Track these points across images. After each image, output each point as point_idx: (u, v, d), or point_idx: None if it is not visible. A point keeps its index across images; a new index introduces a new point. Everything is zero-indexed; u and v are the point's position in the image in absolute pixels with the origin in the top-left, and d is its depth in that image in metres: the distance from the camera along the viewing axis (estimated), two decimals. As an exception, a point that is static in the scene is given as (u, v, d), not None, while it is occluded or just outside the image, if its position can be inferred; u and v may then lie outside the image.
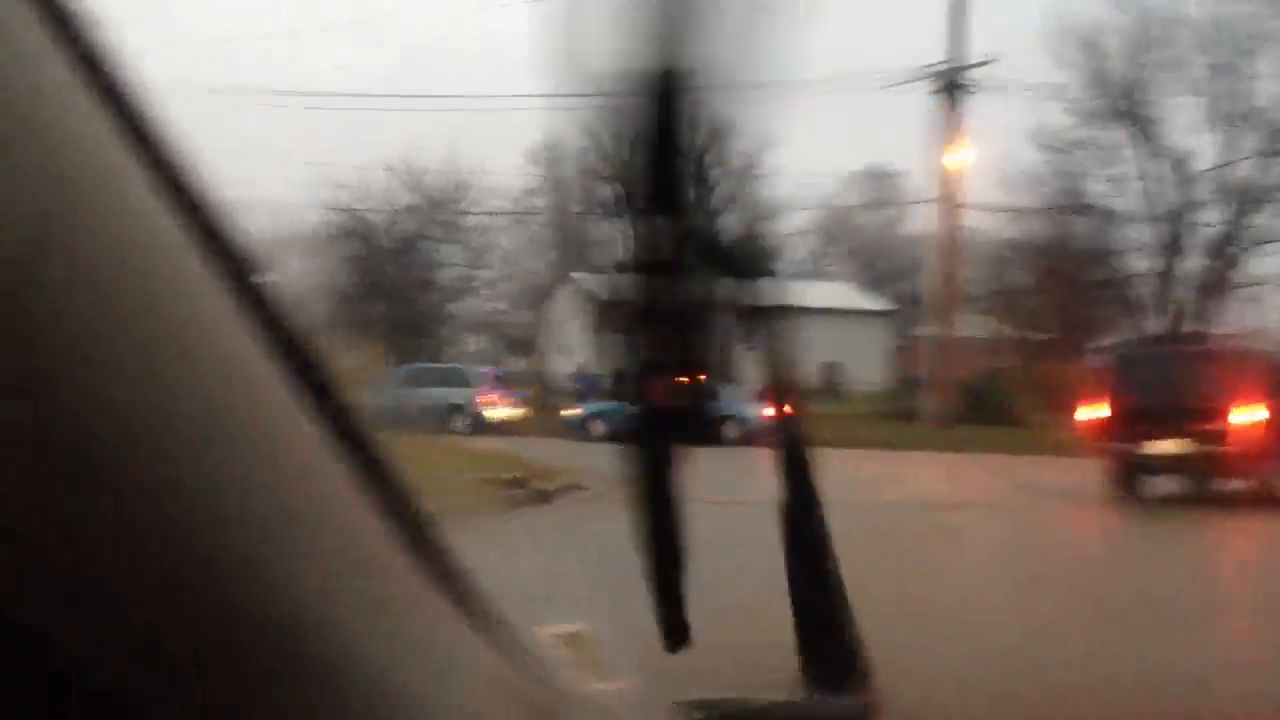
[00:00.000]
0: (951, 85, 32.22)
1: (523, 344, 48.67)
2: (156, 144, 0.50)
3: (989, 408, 33.11)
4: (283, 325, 0.56)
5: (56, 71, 0.46)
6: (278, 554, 0.54)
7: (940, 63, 32.46)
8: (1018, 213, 42.07)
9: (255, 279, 0.54)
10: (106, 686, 0.51)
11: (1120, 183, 41.27)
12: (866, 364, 46.05)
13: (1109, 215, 41.61)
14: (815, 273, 59.14)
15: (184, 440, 0.48)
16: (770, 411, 1.22)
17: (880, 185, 58.36)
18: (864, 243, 62.89)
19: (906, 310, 49.21)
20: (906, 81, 32.93)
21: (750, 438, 27.15)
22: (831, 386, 44.27)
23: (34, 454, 0.44)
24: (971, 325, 44.29)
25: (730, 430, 27.47)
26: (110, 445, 0.45)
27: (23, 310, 0.42)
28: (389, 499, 0.65)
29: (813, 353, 45.14)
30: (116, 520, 0.46)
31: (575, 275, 46.20)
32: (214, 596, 0.51)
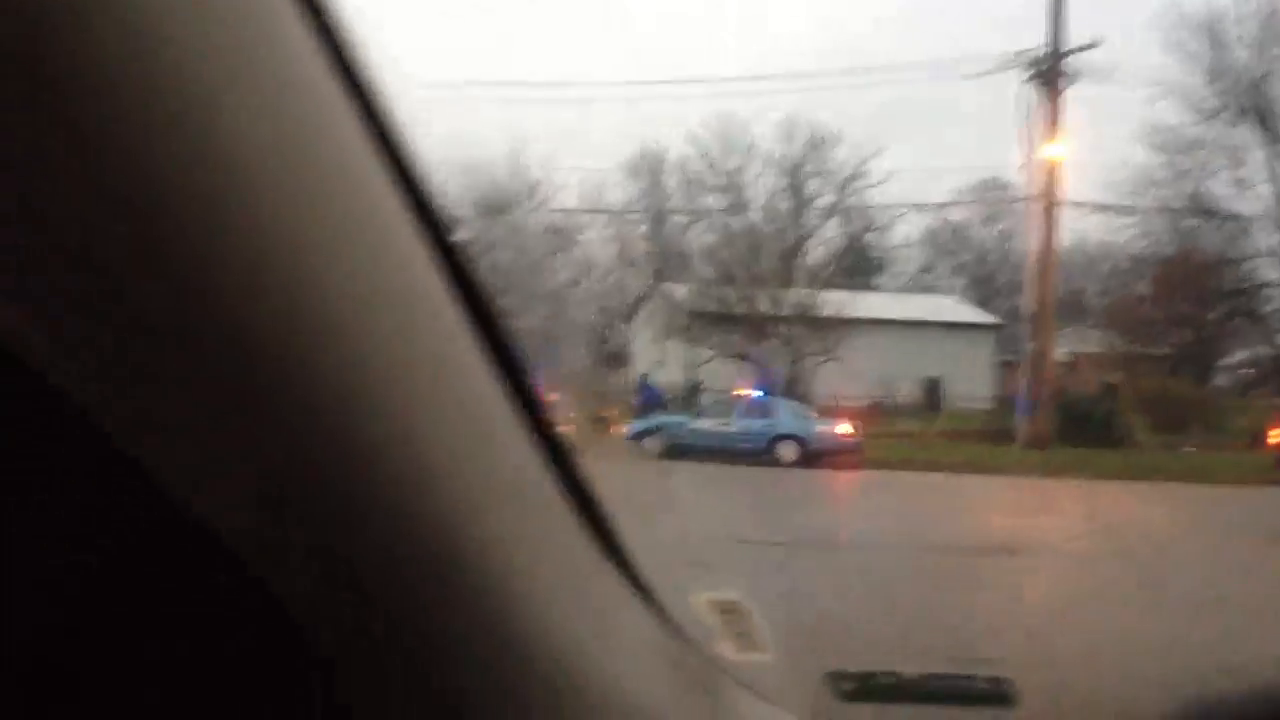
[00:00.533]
0: (1049, 73, 28.44)
1: (614, 356, 45.81)
2: (393, 138, 0.52)
3: (1094, 428, 29.25)
4: (486, 312, 0.60)
5: (312, 64, 0.46)
6: (474, 518, 0.57)
7: (1036, 48, 28.71)
8: (1130, 216, 37.96)
9: (466, 267, 0.58)
10: (330, 640, 0.57)
11: (1246, 185, 36.81)
12: (970, 380, 42.14)
13: (1234, 220, 37.17)
14: (920, 285, 55.37)
15: (401, 412, 0.51)
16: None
17: (994, 196, 54.21)
18: (977, 256, 58.81)
19: (1015, 325, 45.25)
20: (997, 69, 29.22)
21: (809, 459, 24.26)
22: (931, 402, 40.52)
23: (279, 413, 0.47)
24: (1082, 339, 40.25)
25: (786, 450, 24.22)
26: (345, 415, 0.49)
27: (282, 297, 0.45)
28: (564, 470, 0.68)
29: (913, 367, 41.64)
30: (350, 485, 0.51)
31: (666, 285, 43.40)
32: (419, 558, 0.55)
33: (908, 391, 40.50)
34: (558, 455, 0.67)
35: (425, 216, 0.54)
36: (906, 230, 57.97)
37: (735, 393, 27.60)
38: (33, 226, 0.39)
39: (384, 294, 0.50)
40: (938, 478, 22.09)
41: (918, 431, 30.89)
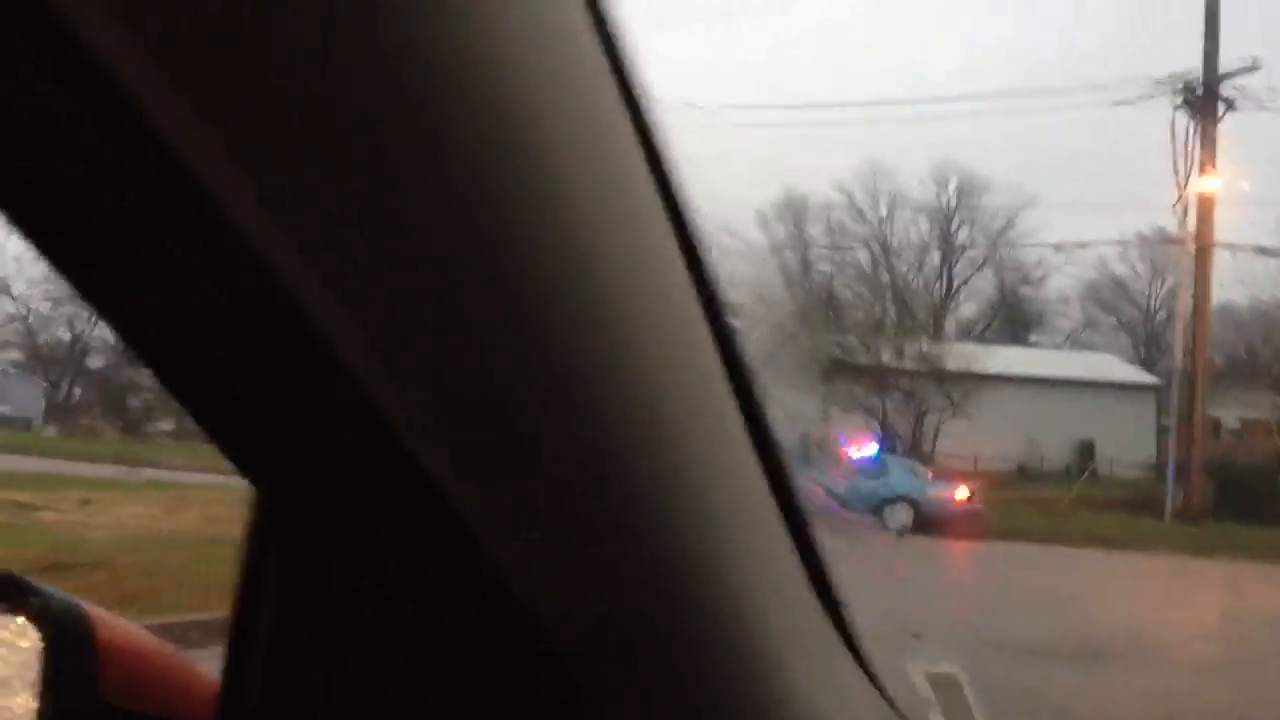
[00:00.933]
0: (1203, 99, 25.15)
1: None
2: (660, 154, 0.51)
3: (1256, 501, 25.59)
4: (730, 338, 0.58)
5: (595, 73, 0.46)
6: (714, 554, 0.57)
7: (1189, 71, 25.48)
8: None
9: (717, 293, 0.57)
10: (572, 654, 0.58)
11: None
12: (1128, 445, 38.32)
13: None
14: (1080, 343, 51.41)
15: (641, 432, 0.50)
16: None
17: (1160, 249, 50.04)
18: (1143, 312, 54.50)
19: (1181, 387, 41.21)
20: (1146, 96, 26.03)
21: (923, 525, 21.50)
22: (1083, 467, 36.93)
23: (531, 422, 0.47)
24: (1254, 403, 36.13)
25: (895, 515, 21.43)
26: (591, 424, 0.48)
27: (548, 300, 0.44)
28: (797, 525, 0.66)
29: (1066, 429, 38.20)
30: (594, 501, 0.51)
31: (796, 332, 40.90)
32: (663, 583, 0.55)
33: (1059, 454, 37.11)
34: (792, 508, 0.65)
35: (689, 245, 0.53)
36: (1065, 284, 53.85)
37: (843, 449, 24.97)
38: (382, 241, 0.40)
39: (660, 319, 0.51)
40: (1061, 552, 19.10)
41: (1055, 499, 27.66)
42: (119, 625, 0.79)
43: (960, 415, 31.93)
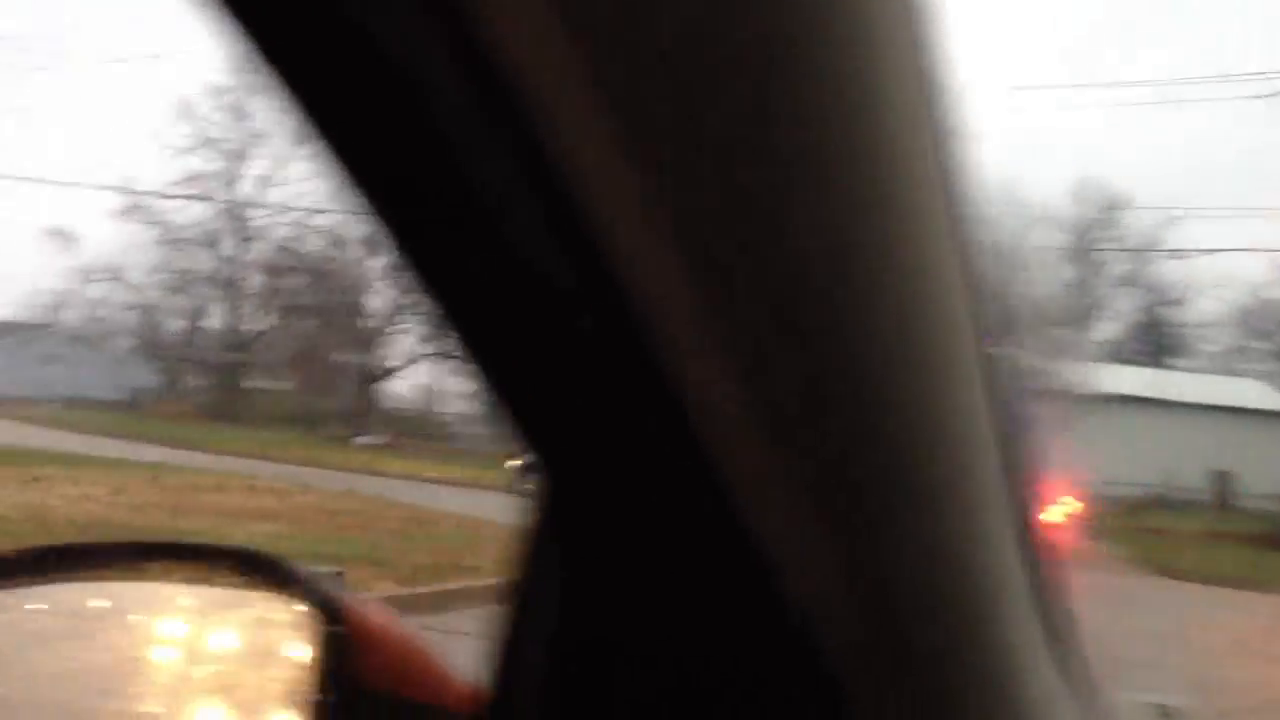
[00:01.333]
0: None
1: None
2: (951, 145, 0.49)
3: None
4: (988, 349, 0.57)
5: (901, 56, 0.44)
6: (973, 572, 0.57)
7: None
8: None
9: (986, 293, 0.55)
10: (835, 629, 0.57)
11: None
12: (1273, 476, 34.84)
13: None
14: (1229, 369, 47.52)
15: (903, 435, 0.50)
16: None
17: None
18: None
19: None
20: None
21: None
22: (1220, 498, 33.75)
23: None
24: None
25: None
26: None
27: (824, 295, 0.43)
28: (1030, 547, 0.65)
29: (1202, 456, 35.01)
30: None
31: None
32: (933, 602, 0.56)
33: (1196, 482, 34.05)
34: (1031, 536, 0.63)
35: (967, 254, 0.51)
36: (1212, 306, 49.89)
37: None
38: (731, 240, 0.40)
39: (951, 335, 0.50)
40: (1146, 586, 16.79)
41: (1179, 528, 24.96)
42: (374, 610, 0.81)
43: (1080, 436, 29.31)
